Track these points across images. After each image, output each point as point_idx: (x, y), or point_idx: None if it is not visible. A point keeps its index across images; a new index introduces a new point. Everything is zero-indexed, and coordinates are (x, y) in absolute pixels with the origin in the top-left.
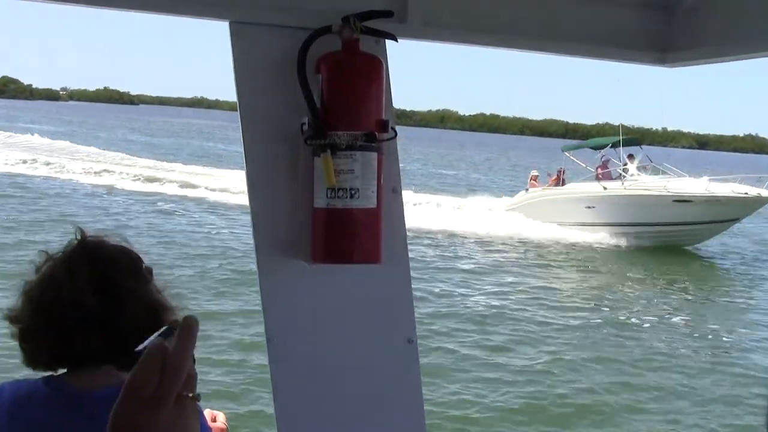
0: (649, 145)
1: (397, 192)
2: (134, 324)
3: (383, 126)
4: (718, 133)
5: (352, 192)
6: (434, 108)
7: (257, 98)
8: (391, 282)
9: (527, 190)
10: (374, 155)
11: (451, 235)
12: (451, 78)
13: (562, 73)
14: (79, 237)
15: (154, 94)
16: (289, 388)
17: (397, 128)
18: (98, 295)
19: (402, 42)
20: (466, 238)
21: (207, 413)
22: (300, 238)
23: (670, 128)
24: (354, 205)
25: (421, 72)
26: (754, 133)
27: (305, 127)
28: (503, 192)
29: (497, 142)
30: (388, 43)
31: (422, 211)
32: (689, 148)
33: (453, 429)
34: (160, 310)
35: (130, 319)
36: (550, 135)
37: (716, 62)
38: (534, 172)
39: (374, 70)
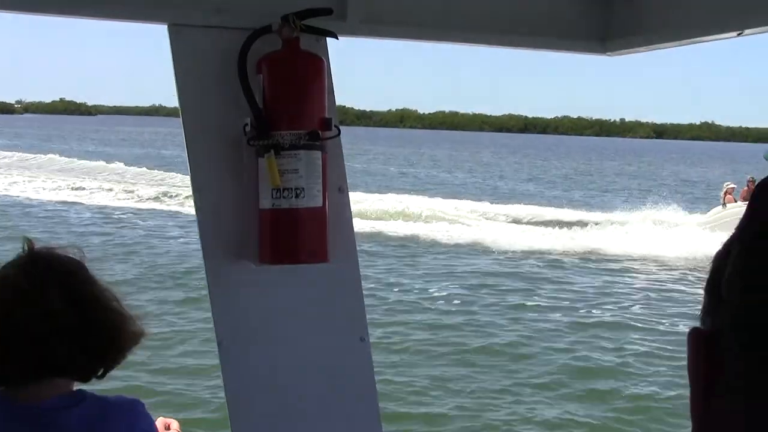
0: (608, 136)
1: (343, 191)
2: (103, 333)
3: (326, 124)
4: (676, 122)
5: (298, 191)
6: (393, 107)
7: (199, 101)
8: (340, 281)
9: (724, 205)
10: (318, 154)
11: (658, 261)
12: (409, 77)
13: (518, 68)
14: (27, 248)
15: (111, 104)
16: (242, 390)
17: (358, 129)
18: (67, 305)
19: (359, 41)
20: (676, 265)
21: (160, 422)
22: (247, 240)
23: (627, 119)
24: (300, 204)
25: (379, 72)
26: (710, 121)
27: (248, 128)
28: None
29: (478, 140)
30: (331, 41)
31: (600, 234)
32: (647, 137)
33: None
34: (121, 320)
35: (99, 328)
36: (509, 130)
37: (656, 49)
38: (729, 185)
39: (315, 68)
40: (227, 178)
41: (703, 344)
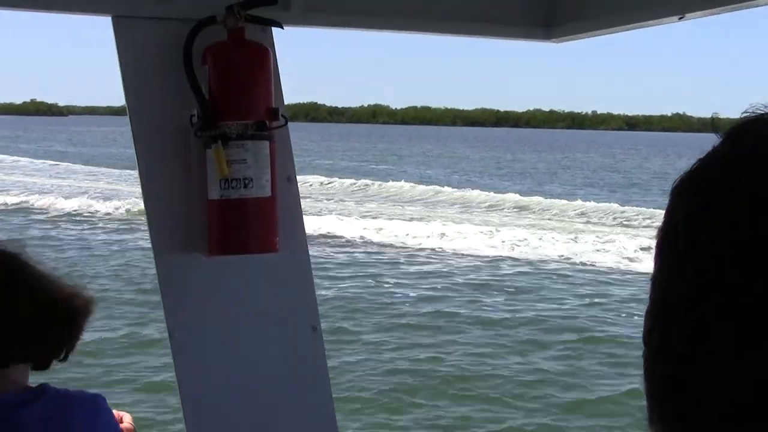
0: (580, 128)
1: (292, 181)
2: (50, 313)
3: (273, 114)
4: (647, 113)
5: (246, 182)
6: (365, 103)
7: (144, 92)
8: (290, 270)
9: None
10: (266, 144)
11: None
12: (381, 72)
13: (488, 61)
14: None
15: (83, 104)
16: (194, 382)
17: (331, 126)
18: (11, 292)
19: (325, 36)
20: None
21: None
22: (196, 231)
23: (600, 111)
24: (248, 194)
25: (351, 68)
26: (681, 112)
27: (194, 119)
28: None
29: (466, 135)
30: (277, 32)
31: None
32: (619, 129)
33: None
34: (66, 296)
35: (46, 310)
36: (482, 124)
37: (600, 34)
38: None
39: (261, 58)
40: (175, 170)
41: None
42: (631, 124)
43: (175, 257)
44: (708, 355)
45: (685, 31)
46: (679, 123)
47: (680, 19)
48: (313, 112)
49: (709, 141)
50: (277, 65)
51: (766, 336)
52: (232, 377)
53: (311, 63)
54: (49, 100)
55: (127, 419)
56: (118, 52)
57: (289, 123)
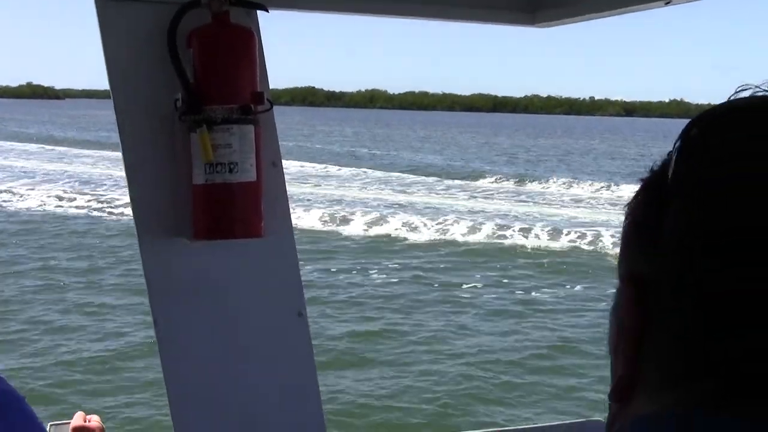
0: (578, 114)
1: (277, 165)
2: None
3: (259, 98)
4: (645, 99)
5: (231, 166)
6: (363, 88)
7: (129, 76)
8: (276, 255)
9: None
10: (251, 128)
11: None
12: (378, 57)
13: (484, 46)
14: None
15: (80, 87)
16: (179, 368)
17: (329, 110)
18: None
19: (321, 21)
20: None
21: (79, 416)
22: (181, 216)
23: (597, 97)
24: (233, 179)
25: (349, 52)
26: (679, 99)
27: (179, 104)
28: None
29: (475, 121)
30: (261, 14)
31: None
32: (617, 116)
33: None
34: None
35: None
36: (479, 109)
37: (586, 20)
38: None
39: (246, 41)
40: (159, 155)
41: (637, 290)
42: (629, 110)
43: (159, 242)
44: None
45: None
46: (677, 109)
47: (666, 4)
48: (310, 97)
49: None
50: (262, 49)
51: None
52: (217, 363)
53: (309, 48)
54: (46, 83)
55: (95, 418)
56: (102, 36)
57: (287, 107)
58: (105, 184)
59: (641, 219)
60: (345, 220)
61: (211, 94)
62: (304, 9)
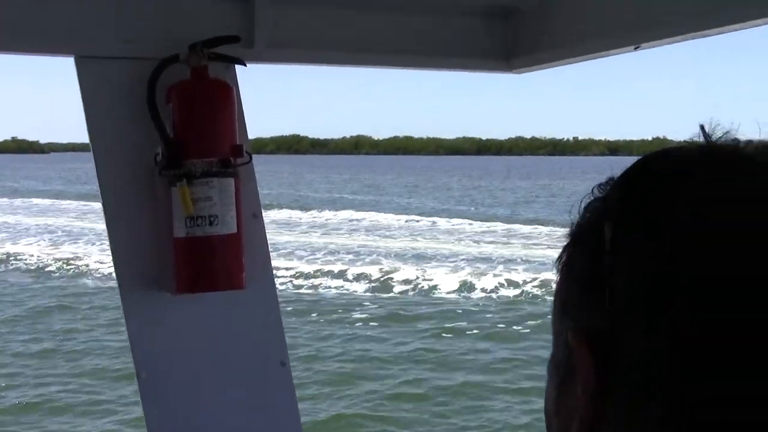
0: (562, 154)
1: (257, 217)
2: None
3: (238, 151)
4: (628, 138)
5: (212, 219)
6: (347, 134)
7: (109, 132)
8: (258, 306)
9: None
10: (231, 181)
11: None
12: (361, 102)
13: (469, 91)
14: None
15: (64, 141)
16: (163, 423)
17: (314, 157)
18: None
19: (310, 71)
20: None
21: None
22: (162, 270)
23: (581, 137)
24: (214, 232)
25: (333, 100)
26: (661, 137)
27: (159, 158)
28: None
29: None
30: (240, 68)
31: None
32: (601, 155)
33: None
34: None
35: None
36: (464, 153)
37: (560, 65)
38: None
39: (224, 96)
40: (140, 209)
41: (590, 345)
42: (613, 149)
43: (141, 296)
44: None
45: (663, 54)
46: (660, 146)
47: (636, 49)
48: (295, 145)
49: None
50: (240, 102)
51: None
52: (201, 415)
53: (294, 96)
54: (30, 138)
55: None
56: (82, 92)
57: (272, 155)
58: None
59: (586, 275)
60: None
61: (190, 148)
62: (283, 62)
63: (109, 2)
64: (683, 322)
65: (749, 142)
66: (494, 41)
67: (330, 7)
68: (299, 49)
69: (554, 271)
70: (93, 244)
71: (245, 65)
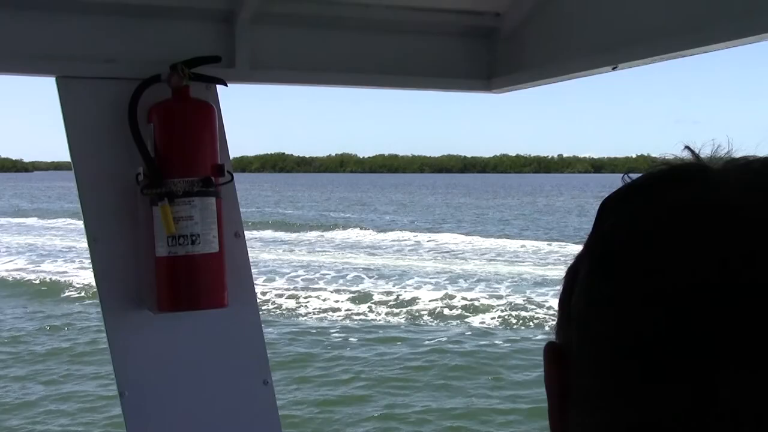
0: (547, 172)
1: (239, 236)
2: None
3: (219, 170)
4: (612, 155)
5: (193, 238)
6: (333, 153)
7: (91, 151)
8: (240, 325)
9: None
10: (213, 200)
11: None
12: (346, 121)
13: (453, 109)
14: None
15: (48, 160)
16: None
17: (299, 176)
18: None
19: (294, 89)
20: None
21: None
22: (145, 288)
23: (565, 155)
24: (196, 251)
25: (318, 118)
26: (645, 154)
27: (141, 177)
28: None
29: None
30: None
31: None
32: (585, 172)
33: None
34: None
35: None
36: (449, 170)
37: (538, 85)
38: None
39: (205, 115)
40: (122, 228)
41: (556, 358)
42: (597, 166)
43: (124, 315)
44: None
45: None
46: (644, 164)
47: (613, 69)
48: (281, 163)
49: None
50: (222, 122)
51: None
52: None
53: (279, 114)
54: (14, 156)
55: None
56: (63, 112)
57: (258, 173)
58: None
59: (563, 295)
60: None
61: (172, 168)
62: (264, 82)
63: (91, 23)
64: (603, 332)
65: (729, 160)
66: (474, 62)
67: (311, 28)
68: (280, 70)
69: None
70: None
71: (226, 85)
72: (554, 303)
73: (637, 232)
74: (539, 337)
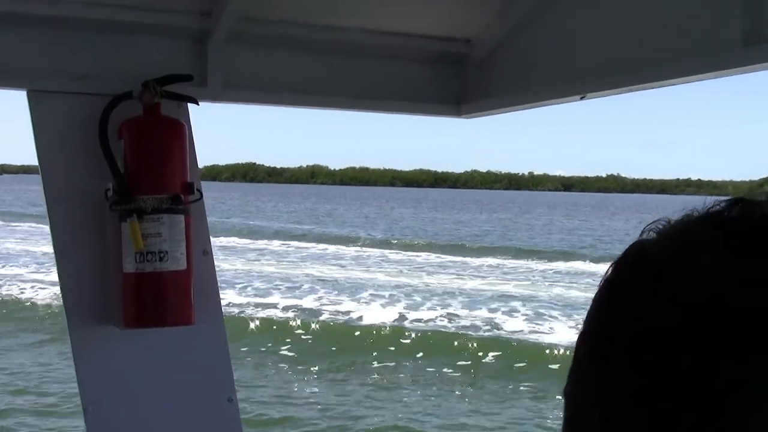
0: (518, 189)
1: (207, 253)
2: None
3: (189, 188)
4: (583, 174)
5: (161, 255)
6: (304, 164)
7: (60, 166)
8: (206, 343)
9: None
10: (181, 217)
11: None
12: (318, 133)
13: (423, 125)
14: None
15: (18, 163)
16: None
17: (269, 186)
18: None
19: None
20: None
21: None
22: (111, 304)
23: (536, 172)
24: (163, 268)
25: (289, 129)
26: (615, 173)
27: (110, 193)
28: None
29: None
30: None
31: None
32: (555, 190)
33: None
34: None
35: None
36: (420, 185)
37: (507, 111)
38: None
39: (176, 133)
40: (90, 243)
41: None
42: (567, 185)
43: (89, 330)
44: None
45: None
46: (614, 184)
47: (582, 98)
48: (251, 173)
49: (641, 201)
50: (192, 140)
51: None
52: None
53: (250, 124)
54: None
55: None
56: (33, 126)
57: (228, 182)
58: None
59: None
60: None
61: (141, 184)
62: (235, 101)
63: (63, 38)
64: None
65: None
66: (444, 88)
67: (283, 49)
68: (252, 90)
69: None
70: None
71: (198, 104)
72: None
73: None
74: None
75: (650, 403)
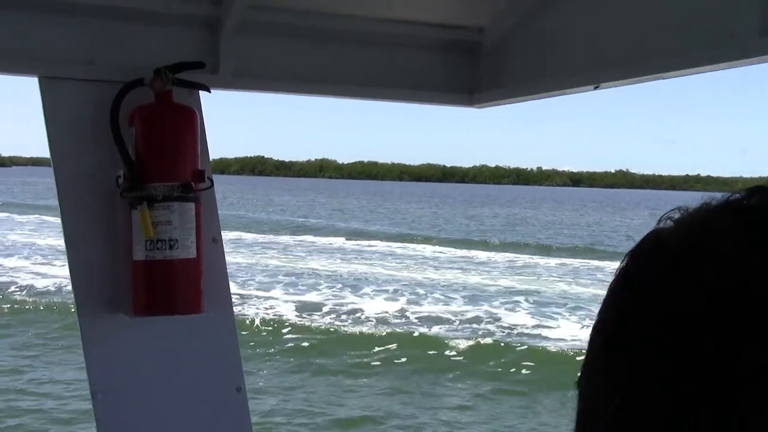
0: (526, 184)
1: (217, 241)
2: None
3: (200, 176)
4: (591, 169)
5: (171, 243)
6: (312, 157)
7: (71, 153)
8: (215, 331)
9: None
10: (192, 205)
11: None
12: (327, 126)
13: (433, 119)
14: None
15: (27, 155)
16: None
17: (279, 180)
18: None
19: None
20: None
21: None
22: (121, 292)
23: (545, 167)
24: (173, 256)
25: (298, 122)
26: (624, 169)
27: (121, 180)
28: None
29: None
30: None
31: None
32: (564, 185)
33: None
34: None
35: None
36: (428, 179)
37: (520, 101)
38: None
39: (187, 121)
40: (100, 230)
41: None
42: (576, 180)
43: (99, 317)
44: None
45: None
46: (623, 179)
47: (596, 88)
48: (260, 166)
49: (650, 197)
50: (204, 127)
51: None
52: None
53: (260, 117)
54: None
55: None
56: (45, 113)
57: (236, 176)
58: None
59: None
60: None
61: (152, 172)
62: (247, 89)
63: (75, 25)
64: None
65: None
66: (456, 76)
67: (295, 38)
68: (263, 78)
69: None
70: None
71: (209, 91)
72: None
73: None
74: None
75: (673, 388)
